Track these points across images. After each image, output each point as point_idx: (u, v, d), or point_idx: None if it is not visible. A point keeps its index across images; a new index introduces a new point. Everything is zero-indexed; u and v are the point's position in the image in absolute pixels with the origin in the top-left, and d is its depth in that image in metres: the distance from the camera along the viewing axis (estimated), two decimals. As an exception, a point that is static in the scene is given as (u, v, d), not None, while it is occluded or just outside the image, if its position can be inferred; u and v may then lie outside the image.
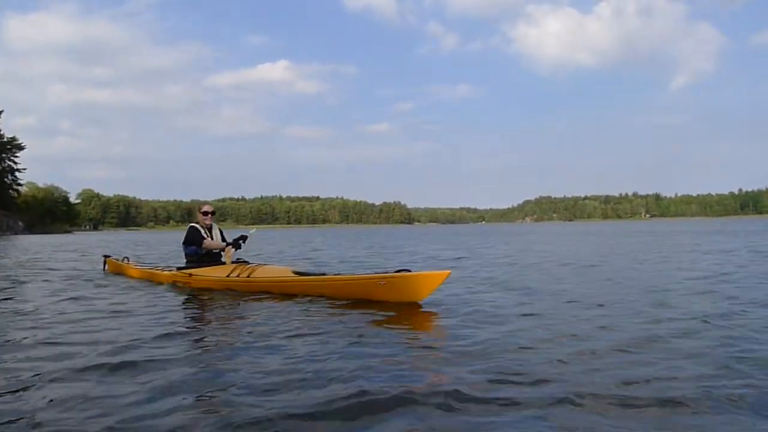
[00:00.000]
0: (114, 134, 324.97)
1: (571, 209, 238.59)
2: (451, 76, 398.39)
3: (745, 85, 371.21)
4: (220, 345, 3.38)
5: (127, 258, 8.48)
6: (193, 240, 6.39)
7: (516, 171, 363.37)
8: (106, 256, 8.83)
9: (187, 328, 3.99)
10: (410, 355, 3.03)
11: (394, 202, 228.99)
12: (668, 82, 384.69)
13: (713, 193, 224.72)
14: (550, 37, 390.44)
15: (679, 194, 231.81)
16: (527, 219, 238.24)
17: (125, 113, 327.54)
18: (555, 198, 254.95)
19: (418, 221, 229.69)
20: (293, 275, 5.53)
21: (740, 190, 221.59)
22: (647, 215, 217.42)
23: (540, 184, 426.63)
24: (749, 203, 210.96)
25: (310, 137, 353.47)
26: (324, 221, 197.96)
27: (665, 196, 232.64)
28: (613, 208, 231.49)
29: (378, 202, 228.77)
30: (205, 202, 6.63)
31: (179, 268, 6.59)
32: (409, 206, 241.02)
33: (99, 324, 4.08)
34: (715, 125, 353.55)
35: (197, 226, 6.45)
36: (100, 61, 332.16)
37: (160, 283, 6.65)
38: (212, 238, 6.45)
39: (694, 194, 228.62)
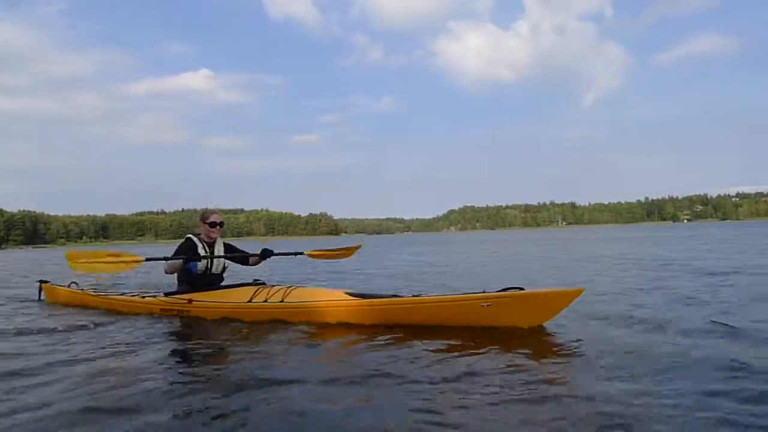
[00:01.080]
0: (18, 145, 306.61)
1: (494, 218, 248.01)
2: (375, 88, 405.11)
3: (648, 101, 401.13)
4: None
5: (76, 283, 6.49)
6: (180, 252, 5.00)
7: (440, 182, 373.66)
8: (41, 282, 6.82)
9: (215, 383, 2.77)
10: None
11: (321, 213, 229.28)
12: (581, 98, 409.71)
13: (623, 202, 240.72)
14: (471, 52, 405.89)
15: (592, 203, 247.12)
16: (452, 228, 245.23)
17: (32, 123, 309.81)
18: (478, 207, 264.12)
19: (345, 232, 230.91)
20: (352, 298, 4.26)
21: (646, 198, 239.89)
22: (563, 223, 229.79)
23: (463, 194, 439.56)
24: (654, 210, 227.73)
25: (234, 148, 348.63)
26: (249, 234, 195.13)
27: (580, 205, 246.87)
28: (533, 216, 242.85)
29: (304, 214, 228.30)
30: (213, 211, 5.18)
31: (168, 294, 5.11)
32: (336, 217, 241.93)
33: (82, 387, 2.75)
34: (623, 139, 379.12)
35: (195, 238, 5.08)
36: (3, 67, 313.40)
37: (138, 315, 5.09)
38: (210, 255, 5.09)
39: (606, 202, 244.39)
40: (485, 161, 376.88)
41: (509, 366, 2.90)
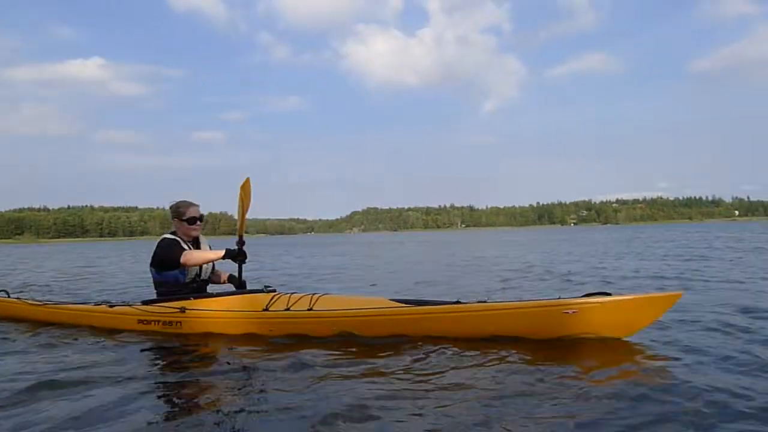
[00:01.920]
0: None
1: (396, 220, 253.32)
2: (281, 87, 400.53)
3: (541, 111, 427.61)
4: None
5: (6, 292, 5.23)
6: (170, 258, 4.03)
7: (345, 183, 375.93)
8: None
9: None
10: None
11: (221, 212, 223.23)
12: (481, 106, 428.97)
13: (517, 206, 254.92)
14: (378, 56, 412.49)
15: (489, 206, 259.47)
16: (355, 229, 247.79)
17: None
18: (381, 209, 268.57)
19: (246, 232, 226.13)
20: (401, 305, 3.70)
21: (538, 203, 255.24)
22: (462, 225, 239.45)
23: (367, 196, 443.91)
24: (545, 214, 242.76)
25: (128, 143, 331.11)
26: (143, 233, 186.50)
27: (478, 208, 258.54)
28: (433, 218, 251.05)
29: (203, 213, 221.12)
30: (189, 204, 4.23)
31: (147, 302, 4.16)
32: (236, 217, 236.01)
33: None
34: (518, 146, 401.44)
35: (175, 238, 4.13)
36: None
37: (104, 329, 4.18)
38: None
39: (502, 206, 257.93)
40: (389, 164, 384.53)
41: (622, 390, 2.44)
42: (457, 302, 3.66)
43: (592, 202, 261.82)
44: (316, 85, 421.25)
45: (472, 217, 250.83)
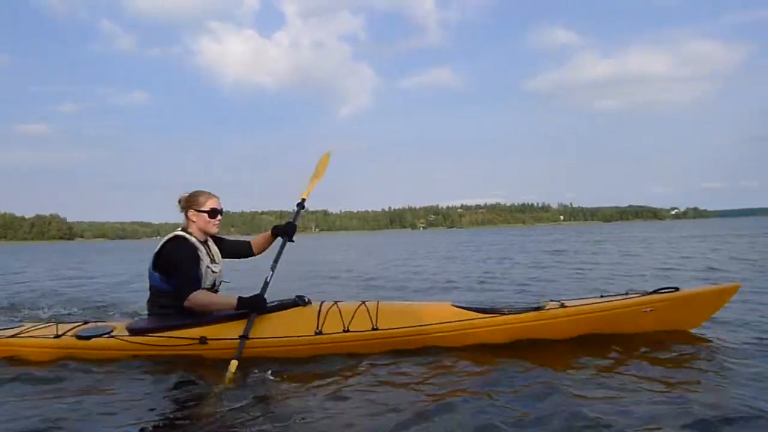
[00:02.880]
0: None
1: (249, 223, 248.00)
2: (125, 80, 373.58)
3: (393, 120, 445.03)
4: None
5: None
6: (186, 266, 3.25)
7: (194, 184, 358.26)
8: None
9: None
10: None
11: (51, 215, 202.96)
12: (337, 111, 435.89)
13: (370, 210, 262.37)
14: (232, 55, 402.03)
15: (343, 211, 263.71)
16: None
17: None
18: (233, 212, 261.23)
19: (81, 237, 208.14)
20: (473, 313, 3.35)
21: (390, 207, 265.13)
22: (317, 229, 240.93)
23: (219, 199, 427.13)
24: (396, 219, 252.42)
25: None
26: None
27: (332, 212, 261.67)
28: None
29: (29, 215, 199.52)
30: (209, 194, 3.52)
31: (139, 331, 3.20)
32: (70, 220, 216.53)
33: None
34: (373, 152, 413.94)
35: (190, 237, 3.39)
36: None
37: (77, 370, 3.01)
38: (212, 261, 3.49)
39: (355, 211, 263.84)
40: (243, 165, 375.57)
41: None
42: (538, 307, 3.41)
43: (440, 207, 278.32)
44: (166, 81, 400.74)
45: (326, 222, 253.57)
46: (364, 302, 3.36)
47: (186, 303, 3.17)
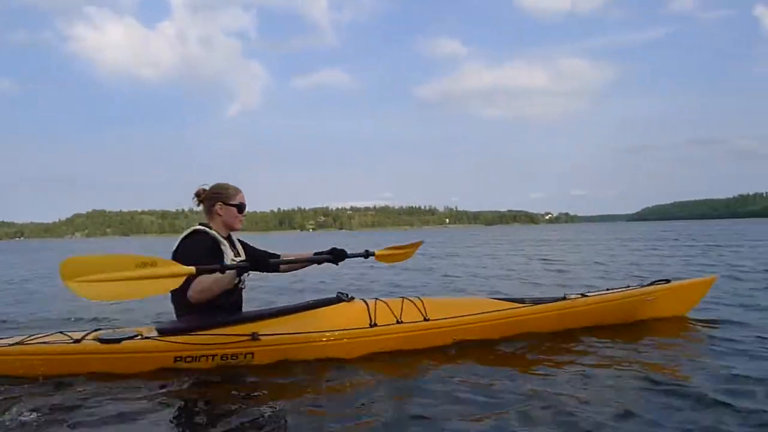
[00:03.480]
0: None
1: (127, 224, 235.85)
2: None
3: (285, 119, 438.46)
4: None
5: None
6: (204, 260, 2.92)
7: (65, 182, 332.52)
8: None
9: None
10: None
11: None
12: (225, 109, 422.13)
13: (258, 211, 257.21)
14: (111, 44, 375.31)
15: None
16: (77, 234, 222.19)
17: None
18: (110, 212, 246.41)
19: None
20: (511, 303, 3.58)
21: (279, 208, 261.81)
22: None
23: (93, 197, 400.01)
24: (286, 220, 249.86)
25: None
26: None
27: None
28: (171, 223, 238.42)
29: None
30: (237, 189, 3.30)
31: (186, 329, 2.92)
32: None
33: None
34: (262, 152, 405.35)
35: (210, 231, 3.17)
36: None
37: (105, 377, 2.74)
38: (234, 257, 3.20)
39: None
40: (122, 162, 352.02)
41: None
42: (564, 297, 3.74)
43: (329, 209, 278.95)
44: (33, 68, 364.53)
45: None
46: (405, 298, 3.39)
47: (189, 295, 2.85)
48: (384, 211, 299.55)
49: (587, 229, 51.38)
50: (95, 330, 3.04)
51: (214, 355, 2.86)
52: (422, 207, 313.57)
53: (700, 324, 3.89)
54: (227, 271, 2.85)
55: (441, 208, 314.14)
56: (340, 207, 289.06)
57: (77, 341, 2.83)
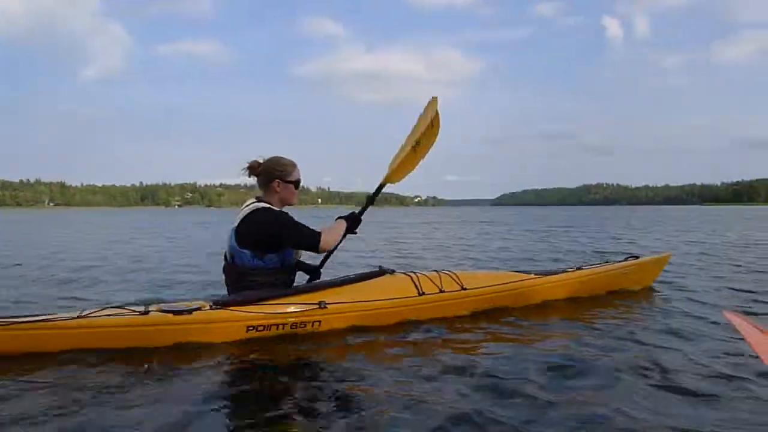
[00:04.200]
0: None
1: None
2: None
3: (149, 88, 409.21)
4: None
5: None
6: (301, 238, 3.20)
7: None
8: None
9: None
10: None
11: None
12: (80, 72, 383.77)
13: (117, 185, 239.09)
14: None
15: (85, 184, 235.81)
16: None
17: None
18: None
19: None
20: (532, 276, 4.05)
21: (141, 183, 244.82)
22: (51, 204, 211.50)
23: None
24: (149, 195, 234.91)
25: None
26: None
27: (71, 185, 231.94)
28: (13, 195, 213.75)
29: None
30: (293, 163, 3.31)
31: (243, 301, 3.04)
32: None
33: None
34: (122, 121, 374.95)
35: (275, 209, 3.22)
36: None
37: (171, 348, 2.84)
38: None
39: (100, 185, 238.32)
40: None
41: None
42: (579, 268, 4.43)
43: (198, 185, 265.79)
44: None
45: (63, 195, 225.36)
46: (439, 271, 3.72)
47: (321, 248, 3.21)
48: (255, 189, 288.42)
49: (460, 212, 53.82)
50: (150, 304, 3.07)
51: (284, 324, 3.04)
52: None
53: (665, 290, 4.80)
54: (342, 229, 3.36)
55: (313, 189, 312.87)
56: (209, 183, 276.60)
57: (144, 313, 2.87)
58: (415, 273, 3.65)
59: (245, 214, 3.13)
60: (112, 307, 2.97)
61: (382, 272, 3.57)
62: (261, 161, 3.27)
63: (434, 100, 3.73)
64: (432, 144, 3.74)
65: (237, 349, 2.85)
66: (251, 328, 2.97)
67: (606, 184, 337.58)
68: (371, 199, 3.72)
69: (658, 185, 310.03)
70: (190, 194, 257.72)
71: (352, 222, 3.42)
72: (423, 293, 3.47)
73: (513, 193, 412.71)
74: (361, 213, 3.54)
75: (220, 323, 2.95)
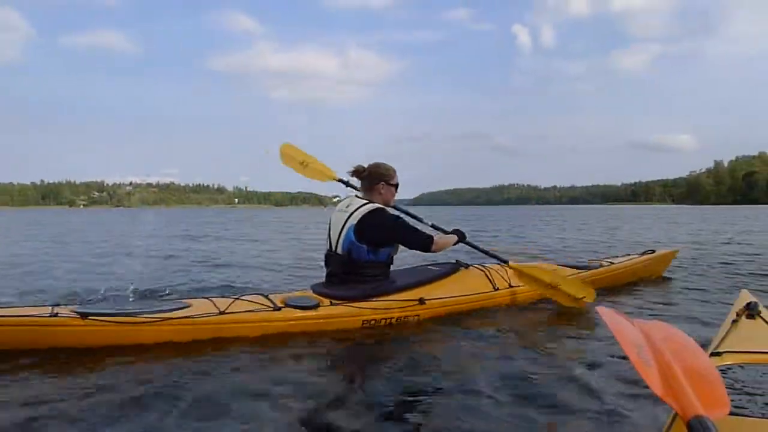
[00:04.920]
0: None
1: None
2: None
3: (51, 80, 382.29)
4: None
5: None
6: (415, 238, 3.63)
7: None
8: None
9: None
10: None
11: None
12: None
13: (15, 183, 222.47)
14: None
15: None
16: None
17: None
18: None
19: None
20: (571, 269, 4.59)
21: (42, 181, 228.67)
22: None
23: None
24: (50, 194, 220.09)
25: None
26: None
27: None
28: None
29: None
30: (394, 169, 3.78)
31: (365, 295, 3.43)
32: None
33: None
34: (21, 116, 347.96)
35: (390, 210, 3.71)
36: None
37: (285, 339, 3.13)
38: None
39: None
40: None
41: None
42: (601, 265, 4.92)
43: (105, 184, 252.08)
44: None
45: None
46: (496, 264, 4.24)
47: (433, 249, 3.61)
48: (169, 188, 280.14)
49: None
50: (263, 295, 3.42)
51: (391, 318, 3.43)
52: (211, 185, 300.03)
53: (672, 279, 5.61)
54: (453, 240, 3.86)
55: (230, 188, 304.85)
56: (117, 182, 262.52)
57: (277, 308, 3.21)
58: (484, 267, 4.17)
59: (363, 213, 3.48)
60: (245, 300, 3.29)
61: (459, 266, 4.08)
62: (365, 166, 3.71)
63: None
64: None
65: (355, 341, 3.17)
66: (366, 321, 3.36)
67: (517, 184, 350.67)
68: (474, 246, 4.13)
69: (565, 186, 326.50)
70: (97, 193, 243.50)
71: (461, 237, 3.92)
72: (497, 288, 3.97)
73: (431, 192, 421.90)
74: (463, 237, 3.95)
75: (341, 318, 3.31)
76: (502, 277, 4.04)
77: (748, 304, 2.15)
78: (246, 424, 2.03)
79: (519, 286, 4.06)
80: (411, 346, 3.11)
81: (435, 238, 3.66)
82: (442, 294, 3.69)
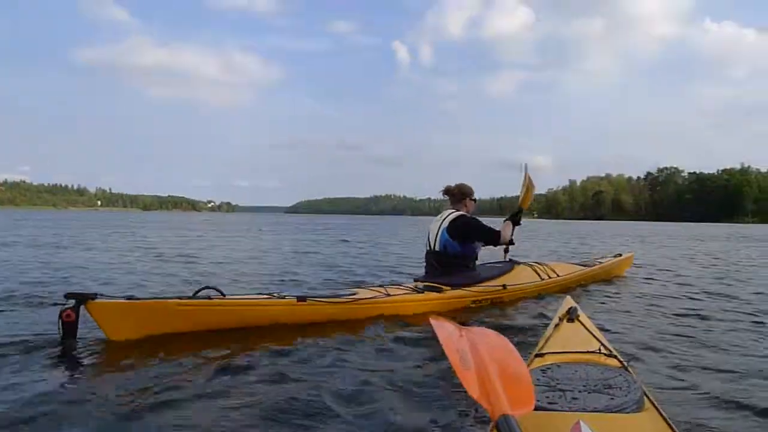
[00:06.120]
0: None
1: None
2: None
3: None
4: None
5: (221, 290, 3.55)
6: (490, 233, 4.60)
7: None
8: (80, 297, 2.98)
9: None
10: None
11: None
12: None
13: None
14: None
15: None
16: None
17: None
18: None
19: None
20: (578, 267, 5.96)
21: None
22: None
23: None
24: None
25: None
26: None
27: None
28: None
29: None
30: (472, 189, 4.83)
31: (466, 283, 4.43)
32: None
33: None
34: None
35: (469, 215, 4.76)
36: None
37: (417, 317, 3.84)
38: None
39: None
40: None
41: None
42: (594, 264, 6.32)
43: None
44: None
45: None
46: (540, 263, 5.42)
47: (501, 241, 4.59)
48: (19, 187, 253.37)
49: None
50: (377, 286, 4.30)
51: (487, 299, 4.41)
52: (69, 186, 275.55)
53: (635, 276, 7.06)
54: (510, 227, 4.65)
55: (92, 189, 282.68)
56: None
57: (420, 291, 4.17)
58: (531, 264, 5.28)
59: (452, 218, 4.50)
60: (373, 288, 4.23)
61: (514, 263, 5.11)
62: (453, 185, 4.74)
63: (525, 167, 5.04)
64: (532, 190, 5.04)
65: (467, 317, 4.02)
66: (476, 302, 4.36)
67: (393, 195, 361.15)
68: (516, 217, 4.73)
69: (440, 198, 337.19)
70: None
71: (515, 220, 4.69)
72: (547, 277, 5.14)
73: (308, 201, 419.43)
74: (516, 215, 4.71)
75: (459, 298, 4.29)
76: (543, 271, 5.20)
77: (569, 309, 2.46)
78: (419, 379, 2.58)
79: (556, 276, 5.29)
80: (497, 320, 3.99)
81: (500, 231, 4.61)
82: (515, 282, 4.73)
